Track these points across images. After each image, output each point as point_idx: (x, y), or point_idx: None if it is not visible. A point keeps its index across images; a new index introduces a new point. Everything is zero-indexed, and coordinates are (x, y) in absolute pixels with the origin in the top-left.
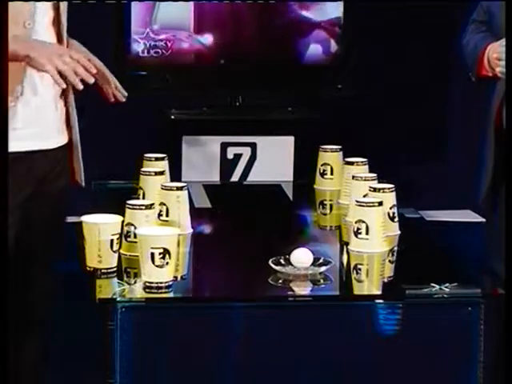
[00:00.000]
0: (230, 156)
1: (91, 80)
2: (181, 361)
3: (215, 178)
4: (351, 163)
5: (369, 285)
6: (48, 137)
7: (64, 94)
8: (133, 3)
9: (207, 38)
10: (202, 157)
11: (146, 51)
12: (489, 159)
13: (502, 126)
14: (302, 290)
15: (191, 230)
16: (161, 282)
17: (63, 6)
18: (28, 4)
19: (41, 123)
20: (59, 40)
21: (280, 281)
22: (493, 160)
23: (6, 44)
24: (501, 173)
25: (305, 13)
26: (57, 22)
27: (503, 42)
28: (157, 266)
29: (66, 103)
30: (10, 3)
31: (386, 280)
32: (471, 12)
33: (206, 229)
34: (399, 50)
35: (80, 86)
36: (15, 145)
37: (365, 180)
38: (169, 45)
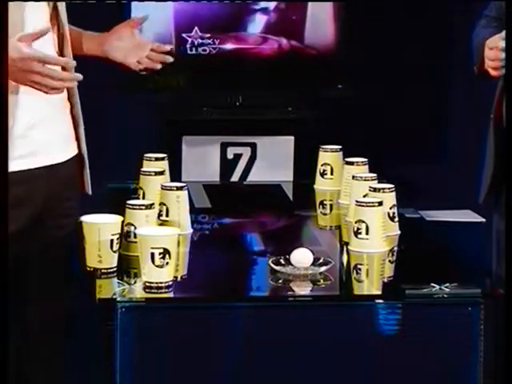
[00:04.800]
0: (230, 156)
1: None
2: (181, 361)
3: (215, 178)
4: (351, 163)
5: (369, 285)
6: (53, 150)
7: (70, 103)
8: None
9: (207, 38)
10: (202, 157)
11: None
12: (489, 158)
13: (502, 123)
14: (302, 289)
15: (191, 230)
16: (161, 282)
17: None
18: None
19: (43, 137)
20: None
21: (280, 281)
22: (493, 159)
23: (5, 45)
24: (501, 172)
25: (305, 12)
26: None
27: (498, 36)
28: (157, 266)
29: (72, 112)
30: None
31: (386, 280)
32: (484, 7)
33: (206, 229)
34: (399, 50)
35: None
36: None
37: (365, 180)
38: None
